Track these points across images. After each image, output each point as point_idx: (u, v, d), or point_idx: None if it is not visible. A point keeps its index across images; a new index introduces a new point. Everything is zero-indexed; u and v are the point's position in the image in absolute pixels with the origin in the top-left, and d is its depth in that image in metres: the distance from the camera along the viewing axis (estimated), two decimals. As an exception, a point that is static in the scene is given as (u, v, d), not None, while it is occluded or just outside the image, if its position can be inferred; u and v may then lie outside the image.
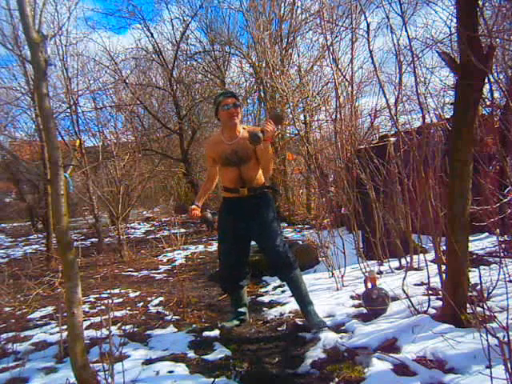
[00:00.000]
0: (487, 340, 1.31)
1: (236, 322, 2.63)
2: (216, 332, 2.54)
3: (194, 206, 2.63)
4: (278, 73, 6.27)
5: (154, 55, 8.69)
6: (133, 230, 9.02)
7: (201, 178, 10.27)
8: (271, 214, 2.51)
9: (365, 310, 2.48)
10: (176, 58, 8.33)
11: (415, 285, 2.83)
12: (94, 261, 5.69)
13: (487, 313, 1.89)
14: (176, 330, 2.63)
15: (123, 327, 2.68)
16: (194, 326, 2.68)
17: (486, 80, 2.05)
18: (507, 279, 2.23)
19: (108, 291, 3.78)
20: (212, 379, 1.91)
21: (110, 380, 1.64)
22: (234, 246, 2.56)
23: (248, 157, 2.45)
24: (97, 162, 6.47)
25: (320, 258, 3.94)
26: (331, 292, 3.02)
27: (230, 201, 2.58)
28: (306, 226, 6.90)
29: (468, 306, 2.02)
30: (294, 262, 2.47)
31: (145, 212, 12.90)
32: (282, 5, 8.21)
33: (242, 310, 2.70)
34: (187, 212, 2.62)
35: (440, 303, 2.28)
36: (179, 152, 8.78)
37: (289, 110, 6.70)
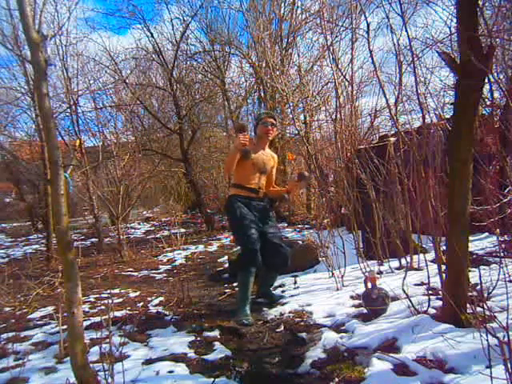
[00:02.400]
0: (487, 340, 1.31)
1: (251, 318, 2.68)
2: (216, 332, 2.55)
3: (245, 132, 2.79)
4: (278, 73, 6.27)
5: (153, 55, 8.68)
6: (133, 230, 9.02)
7: (201, 178, 10.27)
8: (273, 217, 3.15)
9: (365, 310, 2.48)
10: (176, 57, 8.32)
11: (415, 285, 2.83)
12: (94, 261, 5.69)
13: (487, 313, 1.89)
14: (176, 329, 2.63)
15: (123, 327, 2.68)
16: (193, 325, 2.68)
17: (486, 80, 2.05)
18: (507, 279, 2.23)
19: (108, 291, 3.78)
20: (212, 379, 1.91)
21: (109, 380, 1.64)
22: (255, 224, 2.88)
23: (268, 172, 3.11)
24: (97, 162, 6.47)
25: (320, 258, 3.94)
26: (331, 292, 3.02)
27: (243, 198, 2.95)
28: (306, 226, 6.90)
29: (468, 306, 2.02)
30: (287, 262, 3.02)
31: (145, 212, 12.90)
32: (282, 5, 8.22)
33: (250, 298, 2.85)
34: (242, 133, 2.76)
35: (440, 303, 2.28)
36: (179, 152, 8.77)
37: (289, 110, 6.70)
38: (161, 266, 4.97)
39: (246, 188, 2.96)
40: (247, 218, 2.85)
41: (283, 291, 3.29)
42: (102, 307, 3.21)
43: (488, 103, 3.69)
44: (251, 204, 2.95)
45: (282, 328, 2.52)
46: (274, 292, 3.21)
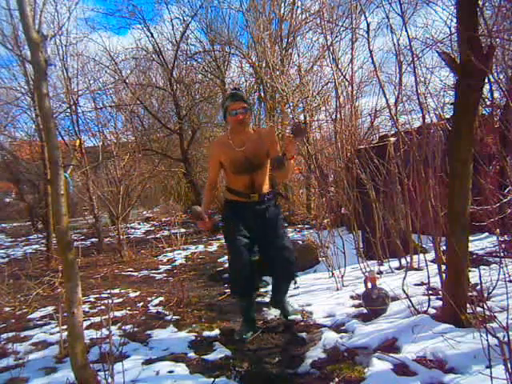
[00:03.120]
0: (487, 340, 1.31)
1: (251, 333, 2.42)
2: (216, 332, 2.54)
3: (203, 220, 2.44)
4: (278, 73, 6.27)
5: (153, 55, 8.68)
6: (133, 230, 9.02)
7: (201, 178, 10.27)
8: (279, 217, 2.51)
9: (365, 310, 2.48)
10: (176, 57, 8.32)
11: (415, 285, 2.83)
12: (94, 261, 5.69)
13: (487, 313, 1.89)
14: (176, 329, 2.63)
15: (123, 327, 2.68)
16: (193, 325, 2.68)
17: (486, 80, 2.05)
18: (507, 279, 2.23)
19: (108, 291, 3.78)
20: (212, 379, 1.91)
21: (110, 380, 1.64)
22: (246, 237, 2.40)
23: (261, 164, 2.41)
24: (97, 162, 6.47)
25: (320, 258, 3.94)
26: (331, 292, 3.02)
27: (236, 204, 2.46)
28: (306, 226, 6.90)
29: (468, 305, 2.02)
30: (294, 269, 2.50)
31: (145, 212, 12.90)
32: (282, 5, 8.21)
33: (254, 317, 2.55)
34: (199, 221, 2.43)
35: (440, 303, 2.28)
36: (179, 152, 8.77)
37: (289, 110, 6.70)
38: (161, 266, 4.97)
39: (235, 191, 2.46)
40: (240, 228, 2.39)
41: (283, 291, 3.29)
42: (102, 307, 3.21)
43: (488, 103, 3.69)
44: (248, 208, 2.43)
45: (282, 328, 2.52)
46: (288, 302, 2.70)
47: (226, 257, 4.51)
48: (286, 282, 2.52)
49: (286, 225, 2.48)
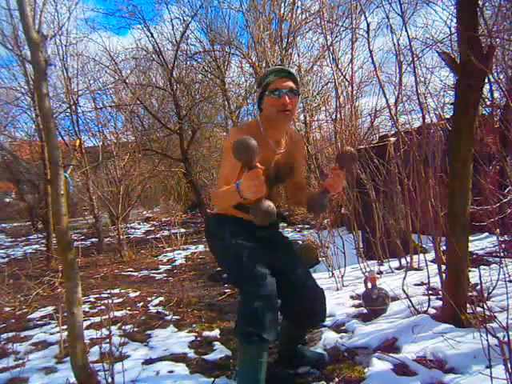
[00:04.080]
0: (487, 340, 1.31)
1: None
2: (216, 332, 2.54)
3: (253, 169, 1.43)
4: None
5: (153, 55, 8.67)
6: (133, 230, 9.02)
7: (201, 178, 10.27)
8: (292, 243, 1.93)
9: (365, 310, 2.48)
10: (176, 57, 8.31)
11: (415, 285, 2.83)
12: (94, 261, 5.69)
13: (487, 313, 1.89)
14: (176, 329, 2.63)
15: (123, 327, 2.68)
16: (194, 325, 2.68)
17: (486, 80, 2.04)
18: (507, 279, 2.23)
19: (108, 291, 3.78)
20: (212, 379, 1.91)
21: (109, 380, 1.64)
22: (259, 252, 1.64)
23: (285, 178, 1.80)
24: (97, 162, 6.47)
25: (320, 258, 3.94)
26: (331, 292, 3.02)
27: (241, 222, 1.72)
28: (306, 226, 6.90)
29: (468, 305, 2.02)
30: (324, 312, 1.84)
31: (145, 212, 12.90)
32: (282, 5, 8.21)
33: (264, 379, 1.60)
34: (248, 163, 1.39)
35: (440, 303, 2.28)
36: (179, 152, 8.76)
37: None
38: (161, 266, 4.97)
39: (243, 207, 1.65)
40: (244, 244, 1.64)
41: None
42: (102, 307, 3.21)
43: (488, 103, 3.69)
44: (255, 230, 1.70)
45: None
46: (304, 346, 2.05)
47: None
48: (311, 327, 1.98)
49: None
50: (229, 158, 1.52)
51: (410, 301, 2.26)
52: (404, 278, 2.46)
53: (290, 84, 1.62)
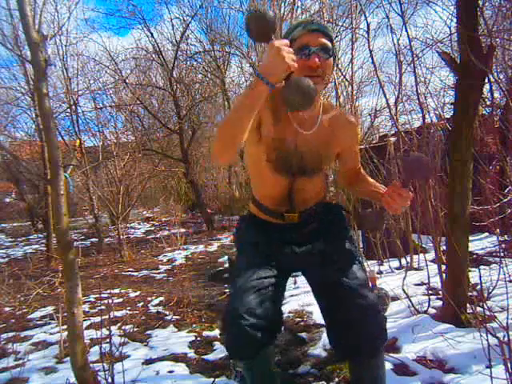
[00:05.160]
0: (487, 340, 1.31)
1: None
2: (216, 332, 2.54)
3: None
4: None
5: (154, 55, 8.68)
6: (133, 230, 9.02)
7: (201, 178, 10.27)
8: (346, 241, 1.36)
9: (365, 310, 2.47)
10: (176, 57, 8.32)
11: (415, 285, 2.83)
12: (94, 261, 5.69)
13: (487, 313, 1.89)
14: (176, 329, 2.63)
15: (123, 327, 2.68)
16: (194, 325, 2.68)
17: (486, 80, 2.05)
18: (507, 279, 2.23)
19: (108, 291, 3.78)
20: (212, 379, 1.91)
21: (109, 380, 1.64)
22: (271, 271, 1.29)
23: (318, 170, 1.34)
24: (97, 162, 6.47)
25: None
26: (331, 292, 3.02)
27: (265, 225, 1.41)
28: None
29: (468, 305, 2.02)
30: (385, 333, 1.21)
31: (145, 212, 12.89)
32: (282, 5, 8.21)
33: None
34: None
35: (440, 303, 2.28)
36: (179, 152, 8.77)
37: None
38: (161, 266, 4.97)
39: (267, 210, 1.39)
40: (250, 260, 1.32)
41: (283, 291, 3.29)
42: (102, 307, 3.21)
43: (488, 103, 3.69)
44: (284, 230, 1.38)
45: (283, 328, 2.52)
46: None
47: (226, 257, 4.53)
48: (374, 360, 1.23)
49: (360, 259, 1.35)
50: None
51: (410, 301, 2.26)
52: (404, 278, 2.45)
53: (323, 40, 1.20)
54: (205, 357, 2.18)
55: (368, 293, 1.21)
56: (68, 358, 1.85)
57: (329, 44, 1.22)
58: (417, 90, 2.36)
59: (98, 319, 2.84)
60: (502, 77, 3.50)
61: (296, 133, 1.27)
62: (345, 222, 1.44)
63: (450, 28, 2.41)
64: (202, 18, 8.92)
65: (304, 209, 1.37)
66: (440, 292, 2.37)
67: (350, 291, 1.20)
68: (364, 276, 1.27)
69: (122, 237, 5.69)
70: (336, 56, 1.29)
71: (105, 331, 2.09)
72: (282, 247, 1.36)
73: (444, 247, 2.17)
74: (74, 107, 6.15)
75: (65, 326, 2.07)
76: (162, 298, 3.40)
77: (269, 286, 1.23)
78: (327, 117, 1.32)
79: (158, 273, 4.62)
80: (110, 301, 3.28)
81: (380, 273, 3.31)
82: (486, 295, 2.17)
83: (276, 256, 1.33)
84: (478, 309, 1.98)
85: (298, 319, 2.60)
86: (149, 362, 2.14)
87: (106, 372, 1.63)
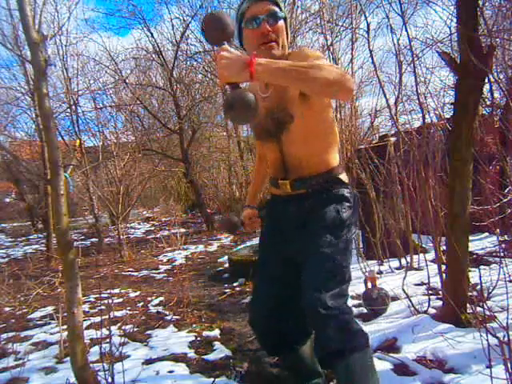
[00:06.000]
0: (487, 340, 1.31)
1: None
2: (216, 332, 2.54)
3: (247, 212, 1.61)
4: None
5: (154, 55, 8.68)
6: (133, 230, 9.02)
7: (201, 178, 10.26)
8: (333, 226, 1.25)
9: (365, 310, 2.48)
10: (176, 57, 8.32)
11: (415, 285, 2.83)
12: (94, 261, 5.68)
13: (487, 313, 1.89)
14: (176, 329, 2.63)
15: (123, 327, 2.68)
16: (193, 325, 2.68)
17: (486, 80, 2.05)
18: (507, 279, 2.23)
19: (108, 291, 3.78)
20: (212, 379, 1.91)
21: (109, 380, 1.64)
22: (275, 273, 1.39)
23: (289, 118, 1.28)
24: (97, 162, 6.47)
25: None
26: (331, 292, 3.02)
27: (273, 201, 1.47)
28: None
29: (468, 305, 2.02)
30: (353, 336, 1.16)
31: (145, 212, 12.89)
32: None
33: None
34: (239, 228, 1.52)
35: (440, 303, 2.28)
36: (179, 152, 8.77)
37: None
38: (161, 266, 4.97)
39: (270, 180, 1.46)
40: (265, 258, 1.46)
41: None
42: (102, 307, 3.21)
43: (488, 103, 3.69)
44: (285, 206, 1.39)
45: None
46: None
47: (226, 257, 4.53)
48: (342, 362, 1.15)
49: (352, 248, 1.33)
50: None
51: (410, 301, 2.26)
52: (404, 278, 2.46)
53: (269, 7, 1.26)
54: (205, 357, 2.18)
55: (320, 297, 1.13)
56: (68, 358, 1.85)
57: (275, 9, 1.28)
58: (417, 90, 2.36)
59: (98, 319, 2.84)
60: (502, 77, 3.50)
61: (261, 102, 1.25)
62: (339, 203, 1.28)
63: (450, 28, 2.41)
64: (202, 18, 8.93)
65: (297, 177, 1.32)
66: (440, 292, 2.37)
67: (305, 300, 1.18)
68: (329, 277, 1.18)
69: (122, 237, 5.69)
70: (287, 18, 1.34)
71: (105, 331, 2.09)
72: (286, 233, 1.38)
73: (444, 247, 2.17)
74: (74, 107, 6.15)
75: (65, 326, 2.07)
76: (162, 298, 3.40)
77: (273, 300, 1.37)
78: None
79: (158, 273, 4.62)
80: (110, 301, 3.28)
81: (380, 273, 3.31)
82: (486, 295, 2.17)
83: (282, 242, 1.39)
84: (478, 309, 1.98)
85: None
86: (149, 362, 2.14)
87: (106, 372, 1.63)
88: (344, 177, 1.36)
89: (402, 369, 1.72)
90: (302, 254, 1.27)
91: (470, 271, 2.17)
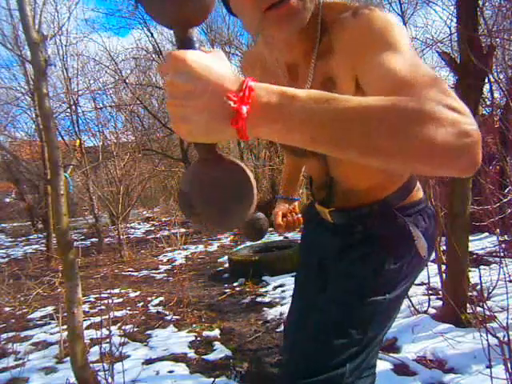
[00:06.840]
0: (487, 340, 1.31)
1: None
2: (216, 332, 2.55)
3: (280, 208, 1.29)
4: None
5: (153, 55, 8.69)
6: (133, 230, 9.01)
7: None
8: (366, 286, 0.91)
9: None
10: (176, 57, 8.33)
11: (415, 285, 2.82)
12: (94, 261, 5.68)
13: (487, 313, 1.89)
14: (176, 329, 2.63)
15: (123, 327, 2.68)
16: (194, 325, 2.68)
17: (486, 80, 2.05)
18: (507, 279, 2.23)
19: (108, 291, 3.78)
20: (212, 379, 1.91)
21: (110, 380, 1.64)
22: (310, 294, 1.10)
23: None
24: (97, 162, 6.47)
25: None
26: (331, 292, 3.02)
27: (312, 216, 1.11)
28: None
29: (468, 305, 2.02)
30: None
31: (145, 212, 12.89)
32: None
33: None
34: (266, 233, 1.09)
35: (440, 303, 2.28)
36: (179, 152, 8.77)
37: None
38: (161, 266, 4.97)
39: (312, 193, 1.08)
40: (301, 277, 1.22)
41: (283, 291, 3.29)
42: (102, 307, 3.21)
43: (488, 103, 3.69)
44: (325, 231, 1.03)
45: (282, 328, 2.52)
46: None
47: (226, 257, 4.53)
48: None
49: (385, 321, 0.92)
50: None
51: (410, 301, 2.26)
52: (404, 278, 2.45)
53: None
54: (205, 357, 2.18)
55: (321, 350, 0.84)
56: (68, 358, 1.85)
57: None
58: (417, 90, 2.35)
59: (98, 319, 2.84)
60: (502, 77, 3.50)
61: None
62: (387, 244, 0.89)
63: (450, 28, 2.42)
64: (202, 18, 8.92)
65: (343, 206, 0.93)
66: (440, 292, 2.37)
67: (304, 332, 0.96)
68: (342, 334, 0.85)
69: (122, 237, 5.69)
70: None
71: (105, 331, 2.09)
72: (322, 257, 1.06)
73: (444, 247, 2.17)
74: (74, 107, 6.15)
75: (65, 326, 2.07)
76: (161, 298, 3.40)
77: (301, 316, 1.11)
78: (324, 61, 0.74)
79: (158, 273, 4.62)
80: (110, 301, 3.28)
81: (380, 273, 3.31)
82: (486, 295, 2.17)
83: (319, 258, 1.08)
84: (478, 309, 1.98)
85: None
86: (149, 362, 2.14)
87: (106, 372, 1.63)
88: (416, 196, 0.94)
89: (402, 369, 1.72)
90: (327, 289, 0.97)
91: (469, 271, 2.17)
